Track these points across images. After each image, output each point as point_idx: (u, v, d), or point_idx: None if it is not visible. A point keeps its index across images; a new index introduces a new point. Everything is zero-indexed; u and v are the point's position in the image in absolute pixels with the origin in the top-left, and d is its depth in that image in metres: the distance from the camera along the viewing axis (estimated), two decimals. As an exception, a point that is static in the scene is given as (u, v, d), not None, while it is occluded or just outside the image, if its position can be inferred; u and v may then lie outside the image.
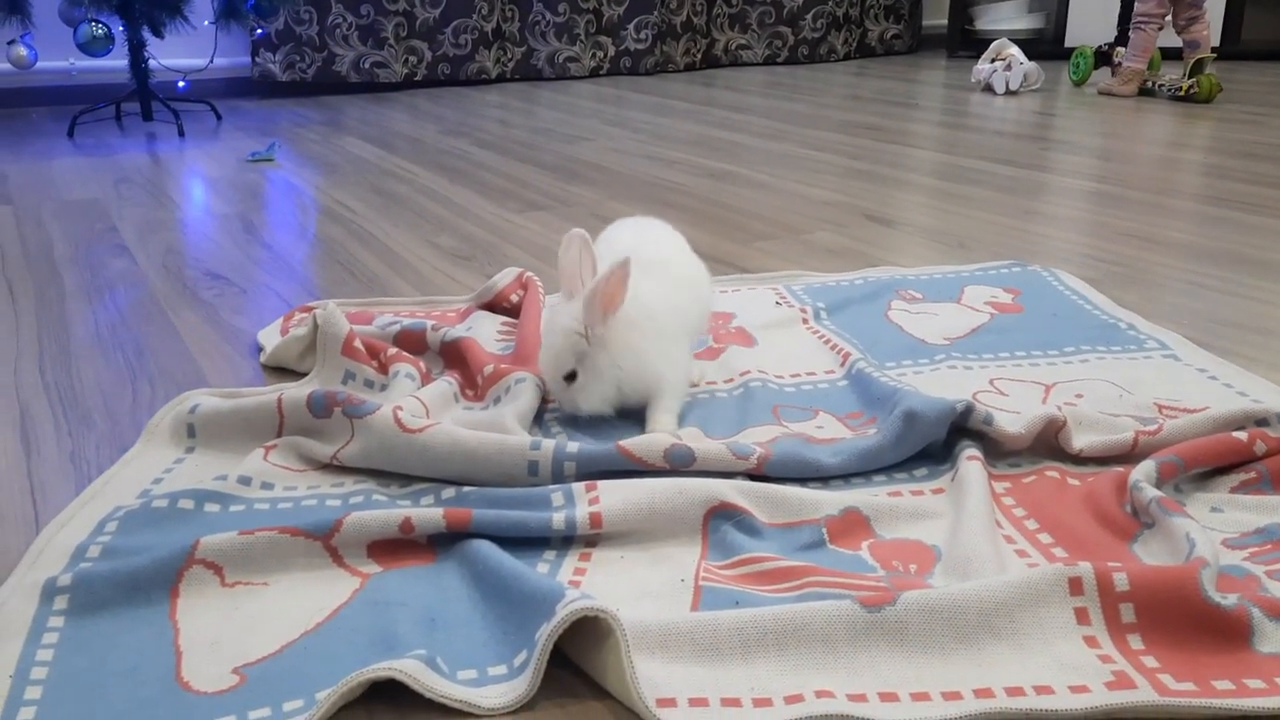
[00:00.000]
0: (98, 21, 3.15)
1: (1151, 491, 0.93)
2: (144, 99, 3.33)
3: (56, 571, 0.88)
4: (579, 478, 1.02)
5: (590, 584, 0.88)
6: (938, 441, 1.08)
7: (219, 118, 3.41)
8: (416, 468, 1.05)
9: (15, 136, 3.12)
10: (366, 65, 3.99)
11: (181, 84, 3.56)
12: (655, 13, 4.47)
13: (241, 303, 1.61)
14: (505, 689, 0.76)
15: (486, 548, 0.90)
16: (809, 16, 4.81)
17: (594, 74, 4.47)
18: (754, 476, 1.03)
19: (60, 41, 3.34)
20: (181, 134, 3.13)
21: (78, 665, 0.79)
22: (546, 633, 0.76)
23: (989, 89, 3.87)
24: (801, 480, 1.03)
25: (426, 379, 1.26)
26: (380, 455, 1.05)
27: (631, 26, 4.47)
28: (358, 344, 1.29)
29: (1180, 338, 1.38)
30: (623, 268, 1.10)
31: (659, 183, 2.41)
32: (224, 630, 0.83)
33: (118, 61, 3.29)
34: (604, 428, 1.16)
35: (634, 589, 0.88)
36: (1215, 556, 0.82)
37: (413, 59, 4.08)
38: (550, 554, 0.93)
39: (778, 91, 4.01)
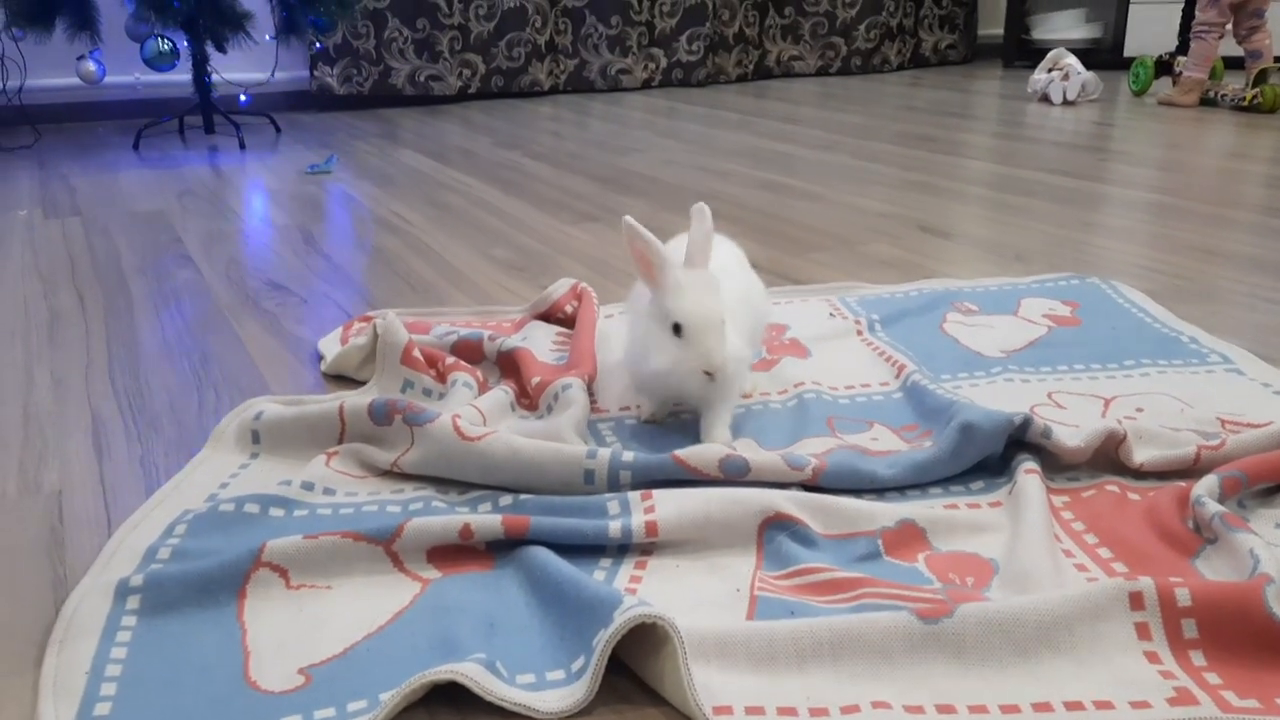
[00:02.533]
0: (163, 37, 3.24)
1: (1214, 506, 0.92)
2: (206, 112, 3.41)
3: (129, 572, 0.90)
4: (634, 487, 1.03)
5: (646, 591, 0.89)
6: (995, 455, 1.07)
7: (278, 130, 3.47)
8: (474, 475, 1.06)
9: (83, 150, 3.21)
10: (421, 78, 4.04)
11: (243, 98, 3.64)
12: (707, 24, 4.48)
13: (302, 312, 1.64)
14: (563, 694, 0.77)
15: (544, 555, 0.91)
16: (862, 27, 4.80)
17: (646, 86, 4.49)
18: (809, 488, 1.03)
19: (127, 57, 3.44)
20: (242, 146, 3.20)
21: (151, 664, 0.81)
22: (604, 639, 0.76)
23: (1046, 99, 3.82)
24: (857, 492, 1.03)
25: (484, 388, 1.28)
26: (440, 462, 1.07)
27: (684, 38, 4.49)
28: (416, 353, 1.31)
29: (1244, 351, 1.35)
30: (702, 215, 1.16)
31: (711, 194, 2.41)
32: (290, 632, 0.85)
33: (181, 76, 3.37)
34: (658, 438, 1.17)
35: (689, 597, 0.88)
36: (1280, 573, 0.81)
37: (467, 72, 4.13)
38: (606, 561, 0.94)
39: (830, 103, 4.00)
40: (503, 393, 1.25)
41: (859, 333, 1.47)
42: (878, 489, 1.04)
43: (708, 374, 1.10)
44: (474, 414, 1.15)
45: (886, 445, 1.14)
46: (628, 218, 1.12)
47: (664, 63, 4.50)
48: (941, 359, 1.37)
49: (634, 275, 1.19)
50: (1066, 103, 3.76)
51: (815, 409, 1.22)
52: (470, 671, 0.76)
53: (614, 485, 1.03)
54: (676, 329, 1.10)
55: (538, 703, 0.76)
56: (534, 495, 1.04)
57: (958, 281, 1.69)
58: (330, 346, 1.44)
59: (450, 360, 1.32)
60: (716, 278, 1.13)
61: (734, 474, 1.03)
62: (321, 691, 0.78)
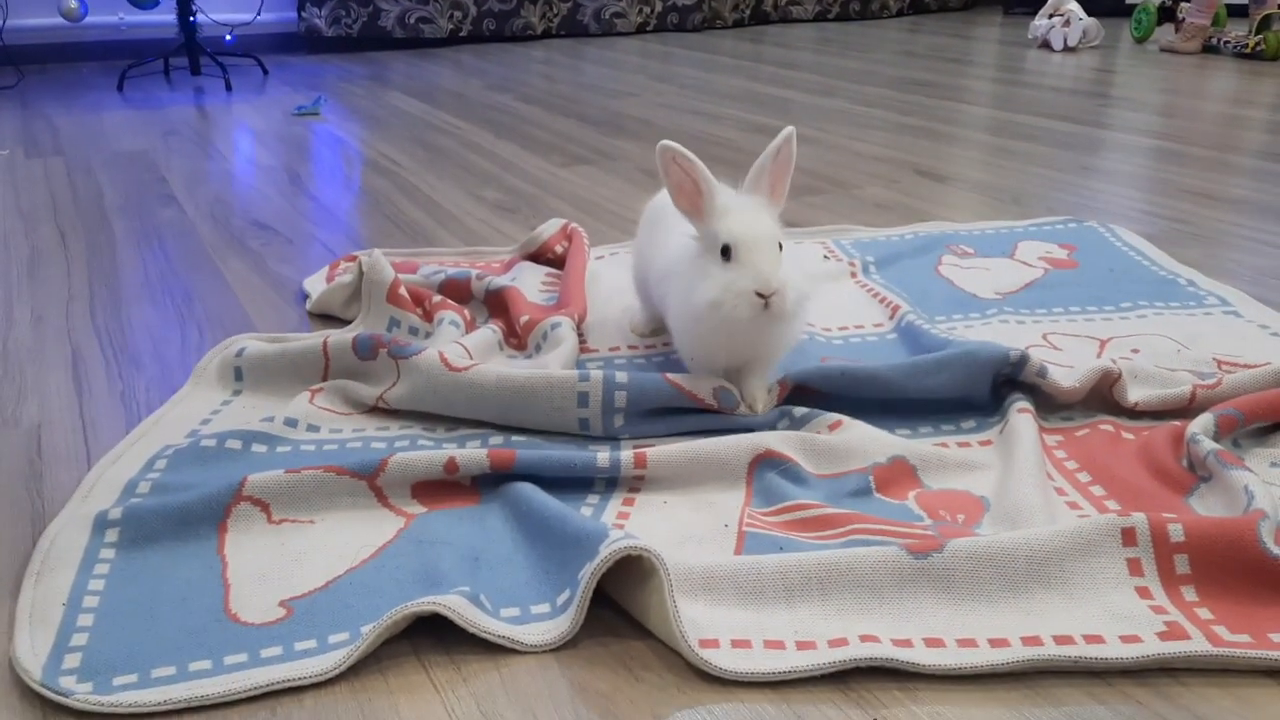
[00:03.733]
0: (148, -25, 3.17)
1: (1209, 444, 0.91)
2: (192, 53, 3.34)
3: (108, 505, 0.89)
4: (629, 411, 1.01)
5: (633, 527, 0.88)
6: (983, 395, 1.06)
7: (265, 72, 3.41)
8: (463, 407, 1.05)
9: (66, 90, 3.15)
10: (411, 21, 3.97)
11: (229, 38, 3.57)
12: (703, -32, 4.40)
13: (288, 252, 1.61)
14: (548, 626, 0.76)
15: (530, 490, 0.90)
16: (860, -28, 4.72)
17: (640, 30, 4.42)
18: (800, 401, 1.03)
19: (111, -5, 3.37)
20: (229, 88, 3.14)
21: (129, 595, 0.80)
22: (590, 571, 0.75)
23: (1046, 45, 3.77)
24: (855, 411, 1.03)
25: (471, 326, 1.26)
26: (427, 396, 1.05)
27: (679, -18, 4.41)
28: (402, 291, 1.29)
29: (1242, 294, 1.34)
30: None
31: (706, 137, 2.38)
32: (271, 565, 0.83)
33: (166, 16, 3.30)
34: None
35: (677, 533, 0.87)
36: (1275, 509, 0.80)
37: (458, 14, 4.05)
38: (593, 498, 0.93)
39: (828, 48, 3.94)
40: (490, 331, 1.23)
41: (853, 275, 1.45)
42: (875, 394, 1.04)
43: (763, 299, 0.95)
44: (460, 351, 1.13)
45: None
46: (666, 141, 0.99)
47: (659, 7, 4.42)
48: (936, 300, 1.35)
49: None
50: (1067, 49, 3.70)
51: (808, 349, 1.21)
52: (454, 604, 0.75)
53: (609, 408, 1.02)
54: (725, 252, 0.97)
55: (522, 635, 0.75)
56: (524, 435, 1.03)
57: (954, 224, 1.66)
58: (315, 285, 1.41)
59: (437, 299, 1.30)
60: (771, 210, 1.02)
61: (726, 405, 1.02)
62: (302, 623, 0.77)
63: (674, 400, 1.02)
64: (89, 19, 3.35)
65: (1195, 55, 3.55)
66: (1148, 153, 2.20)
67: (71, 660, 0.73)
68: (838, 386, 1.06)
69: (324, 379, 1.13)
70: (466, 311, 1.30)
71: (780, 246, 0.99)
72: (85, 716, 0.68)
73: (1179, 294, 1.35)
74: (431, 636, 0.75)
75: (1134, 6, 3.90)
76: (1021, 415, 1.00)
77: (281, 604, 0.79)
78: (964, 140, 2.36)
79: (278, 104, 2.90)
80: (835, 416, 1.01)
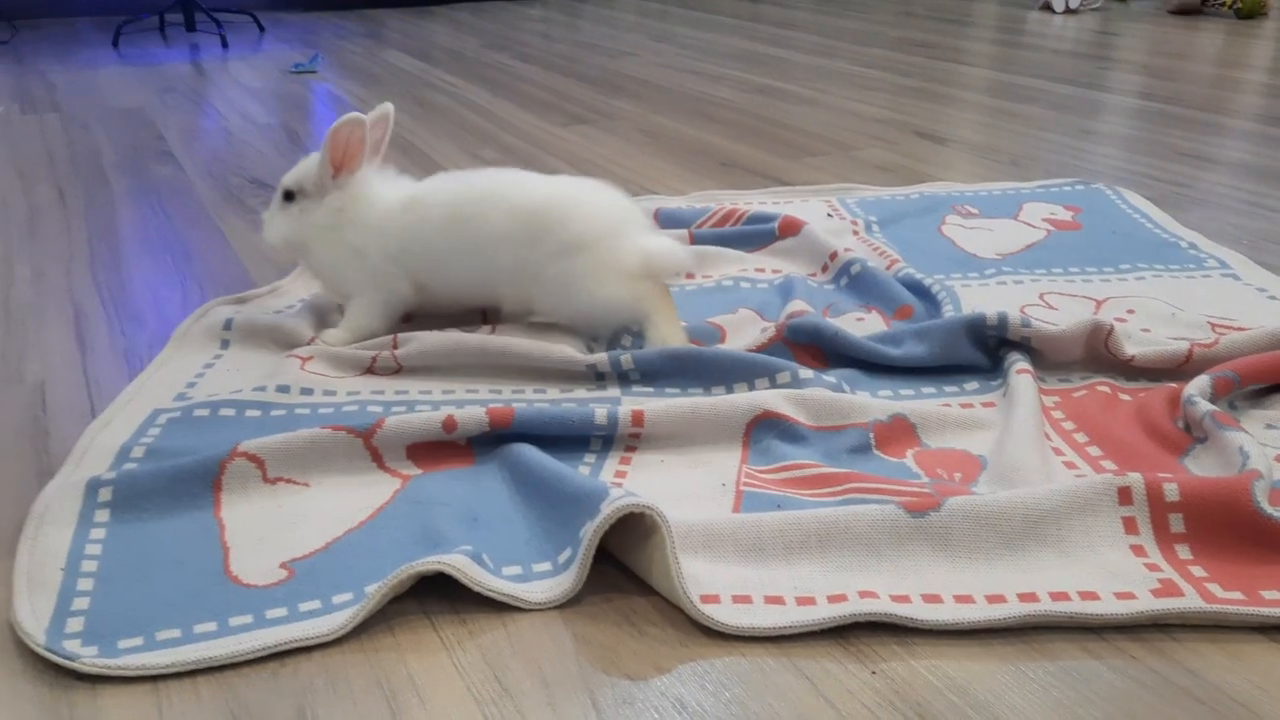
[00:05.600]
0: (141, -71, 3.13)
1: (1205, 405, 0.91)
2: (187, 9, 3.31)
3: (101, 470, 0.89)
4: (634, 360, 1.05)
5: (631, 485, 0.89)
6: (976, 358, 1.07)
7: (261, 29, 3.38)
8: (473, 359, 1.06)
9: (61, 46, 3.12)
10: (409, -23, 3.93)
11: (224, -6, 3.54)
12: (703, -75, 4.35)
13: (287, 210, 1.61)
14: (551, 584, 0.77)
15: (528, 450, 0.90)
16: (861, -70, 4.67)
17: (639, -11, 4.38)
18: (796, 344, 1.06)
19: (104, -51, 3.33)
20: (225, 45, 3.11)
21: (126, 559, 0.80)
22: (592, 529, 0.76)
23: (1048, 7, 3.75)
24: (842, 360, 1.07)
25: None
26: (436, 348, 1.06)
27: (678, -61, 4.36)
28: None
29: (1241, 257, 1.34)
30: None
31: (704, 97, 2.37)
32: (269, 527, 0.84)
33: (161, -30, 3.28)
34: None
35: (675, 491, 0.88)
36: (1269, 470, 0.81)
37: (455, -29, 4.01)
38: (590, 457, 0.93)
39: (828, 8, 3.91)
40: None
41: (855, 233, 1.45)
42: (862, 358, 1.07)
43: None
44: None
45: (872, 328, 1.15)
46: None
47: (658, -36, 4.38)
48: (936, 259, 1.35)
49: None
50: (1069, 11, 3.68)
51: (798, 288, 1.22)
52: (457, 563, 0.75)
53: (615, 361, 1.04)
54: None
55: (525, 593, 0.76)
56: (524, 394, 1.03)
57: (961, 185, 1.66)
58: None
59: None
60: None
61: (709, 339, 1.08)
62: (305, 584, 0.77)
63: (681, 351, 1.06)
64: (82, -27, 3.31)
65: (1196, 15, 3.53)
66: (1147, 115, 2.19)
67: (75, 624, 0.73)
68: (832, 345, 1.07)
69: (310, 342, 1.13)
70: None
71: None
72: (93, 680, 0.69)
73: (1179, 256, 1.35)
74: (438, 595, 0.76)
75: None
76: (1021, 376, 1.01)
77: (282, 565, 0.79)
78: (964, 102, 2.35)
79: (274, 61, 2.88)
80: (835, 382, 1.02)
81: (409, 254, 1.12)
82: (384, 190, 1.15)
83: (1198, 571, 0.76)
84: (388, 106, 1.18)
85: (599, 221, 1.10)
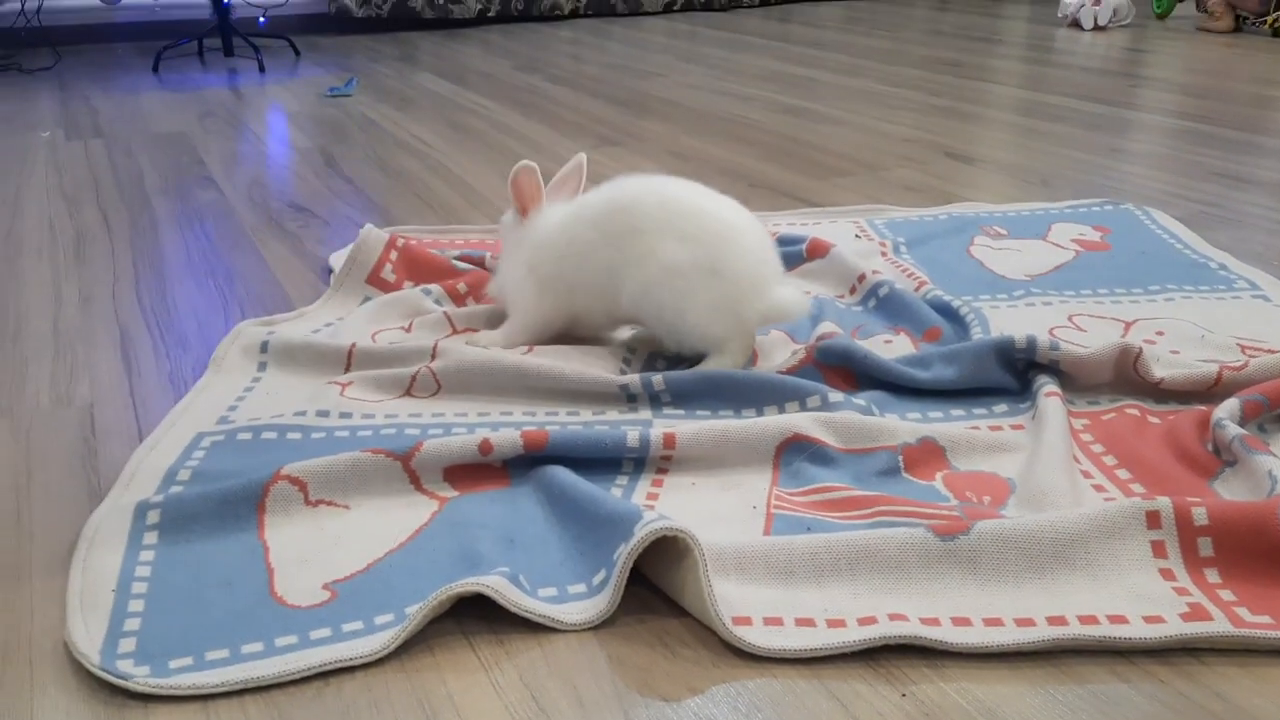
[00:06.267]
0: (180, -44, 3.20)
1: (1234, 429, 0.92)
2: (225, 35, 3.38)
3: (149, 493, 0.91)
4: (666, 382, 1.07)
5: (662, 508, 0.90)
6: (1006, 381, 1.08)
7: (297, 53, 3.44)
8: (509, 379, 1.08)
9: (103, 71, 3.20)
10: (440, 1, 3.99)
11: (261, 20, 3.60)
12: (731, -55, 4.39)
13: (324, 233, 1.64)
14: (586, 605, 0.78)
15: (562, 473, 0.92)
16: (889, -51, 4.69)
17: (667, 10, 4.41)
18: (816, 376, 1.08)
19: (144, -23, 3.41)
20: (262, 69, 3.17)
21: (175, 580, 0.82)
22: (626, 552, 0.78)
23: (1076, 25, 3.74)
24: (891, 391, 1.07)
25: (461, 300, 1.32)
26: (474, 366, 1.09)
27: (707, -40, 4.39)
28: (385, 274, 1.34)
29: (1272, 278, 1.34)
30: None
31: (733, 118, 2.39)
32: (311, 549, 0.86)
33: (199, -3, 3.35)
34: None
35: (706, 513, 0.89)
36: (1299, 494, 0.82)
37: (487, -6, 4.06)
38: (623, 479, 0.95)
39: (856, 27, 3.93)
40: None
41: (884, 254, 1.46)
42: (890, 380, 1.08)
43: None
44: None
45: (900, 350, 1.16)
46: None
47: (687, -15, 4.41)
48: (964, 280, 1.36)
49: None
50: (1097, 28, 3.68)
51: (827, 310, 1.24)
52: (495, 584, 0.77)
53: (648, 384, 1.07)
54: None
55: (562, 614, 0.77)
56: (557, 416, 1.05)
57: (989, 205, 1.67)
58: (340, 261, 1.44)
59: (464, 288, 1.33)
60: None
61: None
62: (347, 605, 0.79)
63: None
64: (124, 0, 3.39)
65: (1227, 34, 3.51)
66: (1178, 134, 2.19)
67: (127, 645, 0.75)
68: (862, 368, 1.08)
69: (346, 370, 1.15)
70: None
71: None
72: (145, 699, 0.71)
73: (1209, 277, 1.36)
74: (476, 615, 0.78)
75: (1161, -17, 3.87)
76: (1049, 399, 1.02)
77: (325, 586, 0.81)
78: (993, 121, 2.36)
79: (310, 85, 2.93)
80: (865, 405, 1.04)
81: (566, 258, 1.17)
82: (554, 209, 1.21)
83: (1226, 596, 0.76)
84: (581, 157, 1.26)
85: (743, 257, 1.11)
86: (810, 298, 1.30)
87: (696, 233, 1.10)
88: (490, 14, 4.10)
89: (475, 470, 0.95)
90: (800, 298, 1.13)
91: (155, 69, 3.20)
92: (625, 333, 1.22)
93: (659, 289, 1.10)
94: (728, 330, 1.11)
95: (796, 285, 1.16)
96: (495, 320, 1.25)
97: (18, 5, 3.42)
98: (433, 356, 1.13)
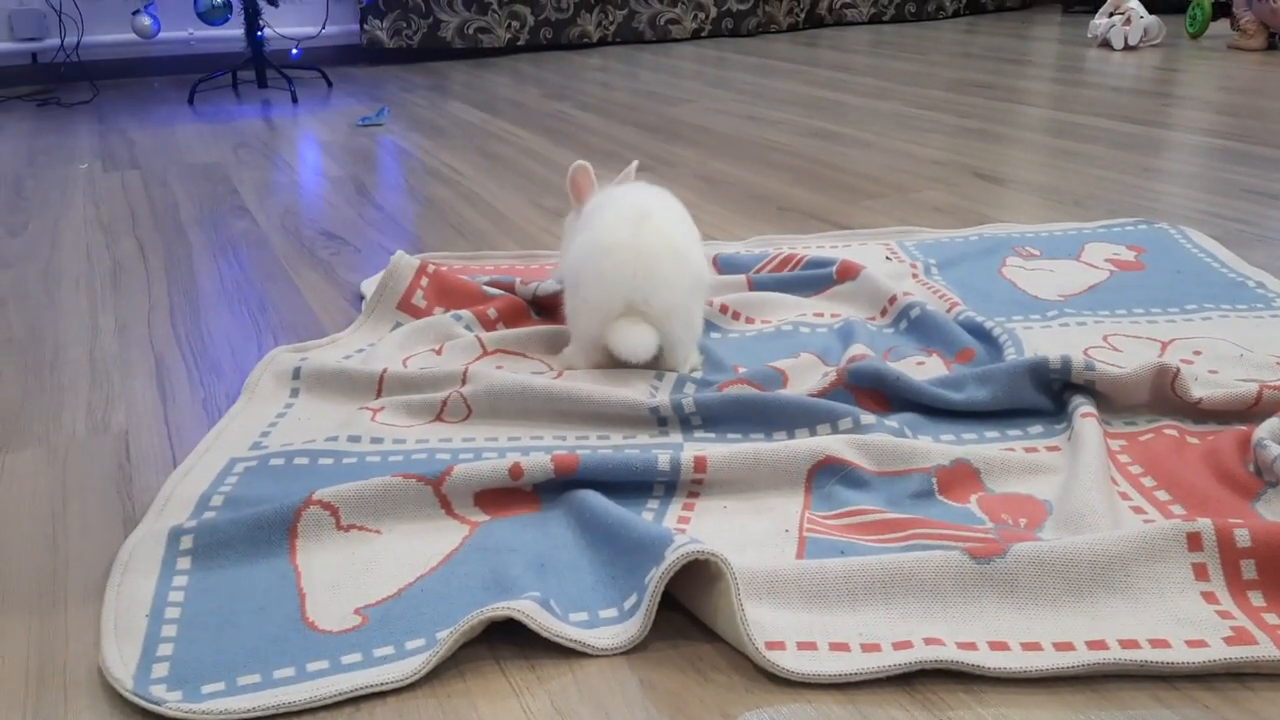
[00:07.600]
0: (216, -8, 3.26)
1: (1276, 449, 0.90)
2: (259, 67, 3.43)
3: (182, 519, 0.92)
4: (696, 405, 1.07)
5: (694, 531, 0.90)
6: (1040, 402, 1.06)
7: (330, 84, 3.49)
8: (539, 402, 1.08)
9: (139, 104, 3.25)
10: (470, 31, 4.03)
11: (295, 52, 3.66)
12: (758, -28, 4.41)
13: (357, 261, 1.66)
14: (618, 630, 0.78)
15: (592, 497, 0.92)
16: (916, -28, 4.69)
17: (695, 36, 4.44)
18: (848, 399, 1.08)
19: (181, 11, 3.47)
20: (295, 100, 3.22)
21: (208, 606, 0.82)
22: (657, 576, 0.77)
23: (1107, 44, 3.72)
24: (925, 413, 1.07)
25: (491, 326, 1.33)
26: (504, 390, 1.09)
27: (734, -14, 4.42)
28: (416, 301, 1.35)
29: (1310, 297, 1.32)
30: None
31: (762, 143, 2.39)
32: (342, 574, 0.86)
33: (234, 31, 3.40)
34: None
35: (738, 537, 0.89)
36: (1344, 515, 0.80)
37: (515, 24, 4.11)
38: (654, 503, 0.94)
39: (884, 50, 3.93)
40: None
41: (915, 275, 1.45)
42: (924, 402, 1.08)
43: None
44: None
45: (932, 371, 1.15)
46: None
47: (714, 12, 4.44)
48: (996, 301, 1.35)
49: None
50: (1128, 48, 3.65)
51: (858, 332, 1.23)
52: (527, 609, 0.77)
53: (678, 406, 1.06)
54: None
55: (593, 639, 0.77)
56: (588, 440, 1.05)
57: (1021, 226, 1.66)
58: (373, 288, 1.45)
59: (494, 314, 1.33)
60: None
61: (769, 383, 1.11)
62: (378, 631, 0.79)
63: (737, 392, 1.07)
64: (160, 34, 3.45)
65: (1260, 52, 3.48)
66: (1211, 153, 2.17)
67: (160, 669, 0.76)
68: (894, 390, 1.08)
69: (378, 395, 1.16)
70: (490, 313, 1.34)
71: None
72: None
73: (1247, 296, 1.34)
74: (507, 640, 0.77)
75: (1190, 2, 3.84)
76: (1086, 420, 1.00)
77: (356, 611, 0.81)
78: (1023, 142, 2.34)
79: (342, 115, 2.97)
80: (898, 427, 1.03)
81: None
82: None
83: (1271, 619, 0.75)
84: (634, 164, 1.38)
85: (601, 282, 1.15)
86: (838, 319, 1.30)
87: (604, 235, 1.16)
88: (519, 43, 4.14)
89: (506, 494, 0.95)
90: (636, 343, 1.13)
91: (190, 101, 3.26)
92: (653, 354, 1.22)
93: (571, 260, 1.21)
94: (578, 333, 1.19)
95: (647, 331, 1.14)
96: (528, 343, 1.26)
97: (58, 41, 3.50)
98: (463, 381, 1.13)
